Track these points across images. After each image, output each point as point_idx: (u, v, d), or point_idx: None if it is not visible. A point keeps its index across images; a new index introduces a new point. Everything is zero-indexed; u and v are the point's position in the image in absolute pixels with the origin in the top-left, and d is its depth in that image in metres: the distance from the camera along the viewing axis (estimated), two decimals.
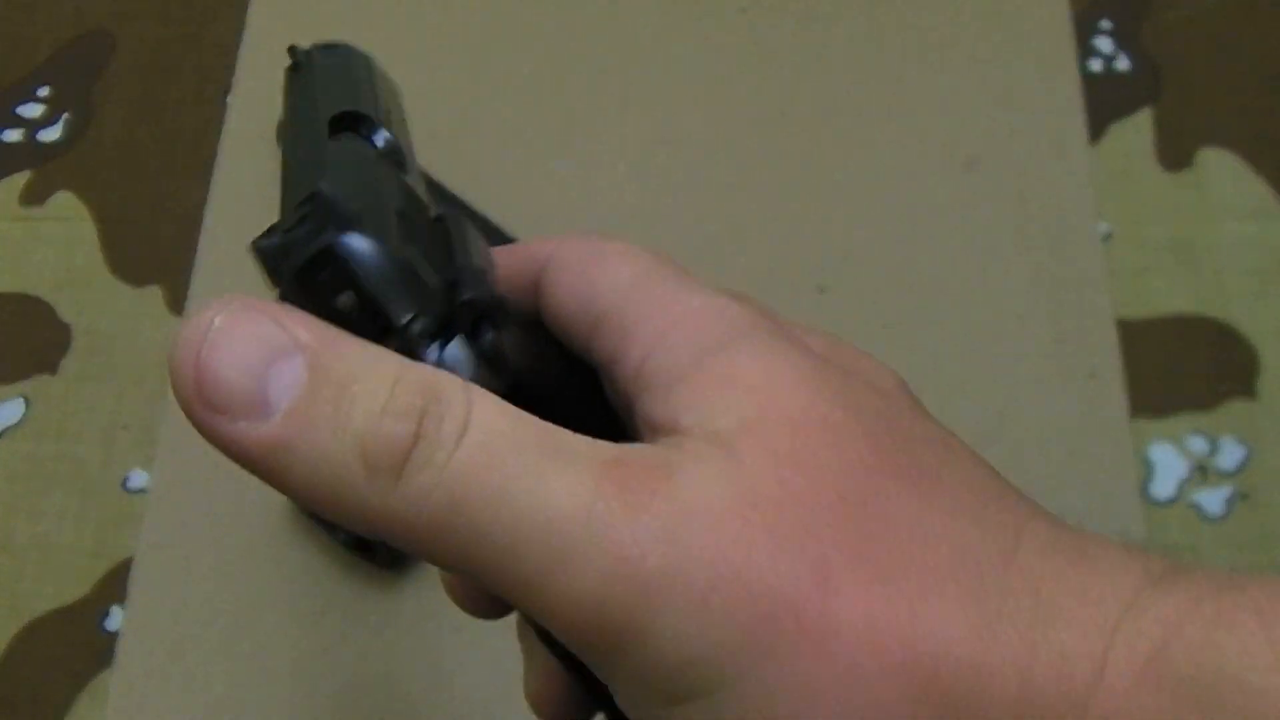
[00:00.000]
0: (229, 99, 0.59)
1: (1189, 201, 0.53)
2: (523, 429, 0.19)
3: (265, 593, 0.48)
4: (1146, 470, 0.48)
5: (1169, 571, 0.20)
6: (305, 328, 0.19)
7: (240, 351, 0.18)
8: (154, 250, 0.55)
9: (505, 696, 0.45)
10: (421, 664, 0.46)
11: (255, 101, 0.58)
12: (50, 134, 0.59)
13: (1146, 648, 0.18)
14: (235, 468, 0.19)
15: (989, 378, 0.50)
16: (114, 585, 0.49)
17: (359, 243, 0.21)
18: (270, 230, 0.21)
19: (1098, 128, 0.55)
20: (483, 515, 0.18)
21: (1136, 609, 0.19)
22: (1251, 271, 0.52)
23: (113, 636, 0.48)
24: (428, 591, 0.47)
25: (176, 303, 0.54)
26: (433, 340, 0.21)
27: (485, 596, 0.28)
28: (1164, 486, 0.48)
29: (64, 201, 0.57)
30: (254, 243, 0.21)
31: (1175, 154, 0.54)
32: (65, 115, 0.59)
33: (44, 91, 0.60)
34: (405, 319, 0.21)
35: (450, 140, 0.55)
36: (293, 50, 0.27)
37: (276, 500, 0.48)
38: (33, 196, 0.57)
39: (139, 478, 0.51)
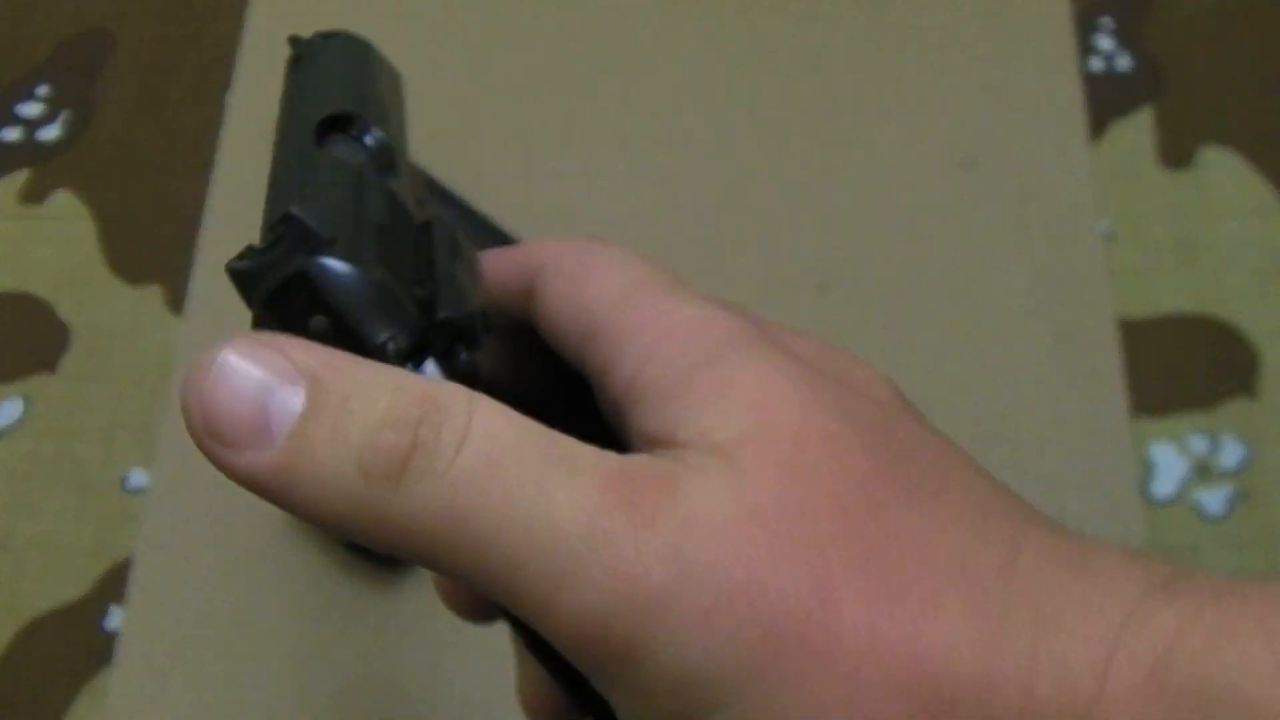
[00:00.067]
0: (229, 98, 0.59)
1: (1190, 201, 0.53)
2: (527, 437, 0.19)
3: (265, 593, 0.48)
4: (1147, 470, 0.48)
5: (1170, 578, 0.19)
6: (307, 352, 0.19)
7: (240, 384, 0.19)
8: (153, 249, 0.55)
9: (505, 696, 0.45)
10: (421, 664, 0.46)
11: (255, 101, 0.58)
12: (49, 133, 0.59)
13: (1148, 658, 0.18)
14: None
15: (989, 378, 0.50)
16: (113, 585, 0.49)
17: (331, 265, 0.21)
18: (245, 252, 0.21)
19: (1098, 127, 0.55)
20: (485, 527, 0.18)
21: (1137, 619, 0.19)
22: (1252, 271, 0.52)
23: (112, 636, 0.48)
24: (427, 591, 0.47)
25: (176, 302, 0.54)
26: (406, 362, 0.21)
27: (478, 602, 0.28)
28: (1164, 486, 0.48)
29: (63, 200, 0.57)
30: (229, 265, 0.21)
31: (1176, 153, 0.54)
32: (64, 114, 0.59)
33: (43, 90, 0.60)
34: (379, 340, 0.21)
35: (450, 140, 0.55)
36: (293, 40, 0.27)
37: None
38: (32, 195, 0.57)
39: (139, 477, 0.51)
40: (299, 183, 0.22)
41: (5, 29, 0.62)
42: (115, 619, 0.48)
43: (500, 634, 0.29)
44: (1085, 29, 0.57)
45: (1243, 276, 0.52)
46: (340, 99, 0.25)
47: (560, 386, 0.25)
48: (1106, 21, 0.57)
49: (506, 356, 0.24)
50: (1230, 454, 0.48)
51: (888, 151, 0.55)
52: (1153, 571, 0.20)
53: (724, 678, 0.18)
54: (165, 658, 0.47)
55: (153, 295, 0.54)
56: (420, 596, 0.47)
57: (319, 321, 0.21)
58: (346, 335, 0.21)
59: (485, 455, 0.19)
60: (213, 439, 0.19)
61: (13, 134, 0.59)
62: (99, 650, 0.47)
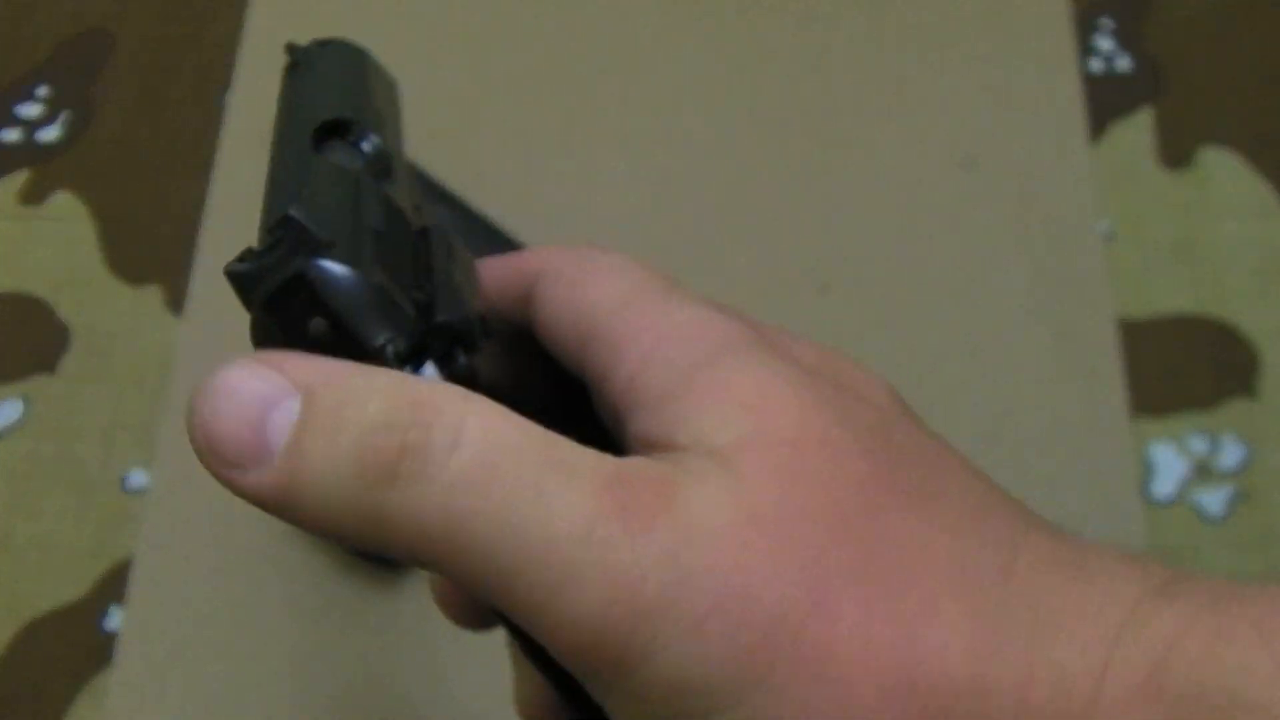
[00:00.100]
0: (229, 98, 0.59)
1: (1190, 201, 0.53)
2: (525, 439, 0.19)
3: (265, 593, 0.48)
4: (1147, 470, 0.48)
5: (1168, 582, 0.19)
6: (303, 365, 0.20)
7: (238, 405, 0.19)
8: (153, 250, 0.55)
9: (504, 696, 0.45)
10: (421, 664, 0.46)
11: (255, 101, 0.58)
12: (49, 133, 0.59)
13: (1145, 663, 0.18)
14: None
15: (989, 378, 0.50)
16: (113, 585, 0.49)
17: (330, 268, 0.21)
18: (243, 255, 0.21)
19: (1098, 127, 0.55)
20: (482, 532, 0.18)
21: (1135, 623, 0.19)
22: (1252, 271, 0.52)
23: (112, 636, 0.48)
24: (427, 592, 0.47)
25: (176, 302, 0.54)
26: (404, 365, 0.21)
27: (475, 609, 0.28)
28: (1164, 486, 0.48)
29: (63, 201, 0.57)
30: (227, 267, 0.21)
31: (1176, 153, 0.54)
32: (64, 114, 0.59)
33: (43, 91, 0.60)
34: (377, 344, 0.21)
35: (450, 140, 0.55)
36: (290, 48, 0.27)
37: None
38: (32, 196, 0.57)
39: (138, 477, 0.51)
40: (297, 187, 0.22)
41: (5, 29, 0.62)
42: (115, 619, 0.48)
43: (498, 636, 0.29)
44: (1085, 29, 0.57)
45: (1243, 277, 0.52)
46: (337, 105, 0.25)
47: (558, 393, 0.25)
48: (1106, 22, 0.57)
49: (505, 363, 0.24)
50: (1230, 454, 0.48)
51: (888, 151, 0.55)
52: (1151, 574, 0.20)
53: (719, 683, 0.18)
54: (165, 658, 0.47)
55: (153, 295, 0.54)
56: (420, 597, 0.47)
57: (318, 324, 0.21)
58: (345, 338, 0.21)
59: (481, 458, 0.19)
60: (218, 462, 0.19)
61: (12, 134, 0.59)
62: (99, 650, 0.47)
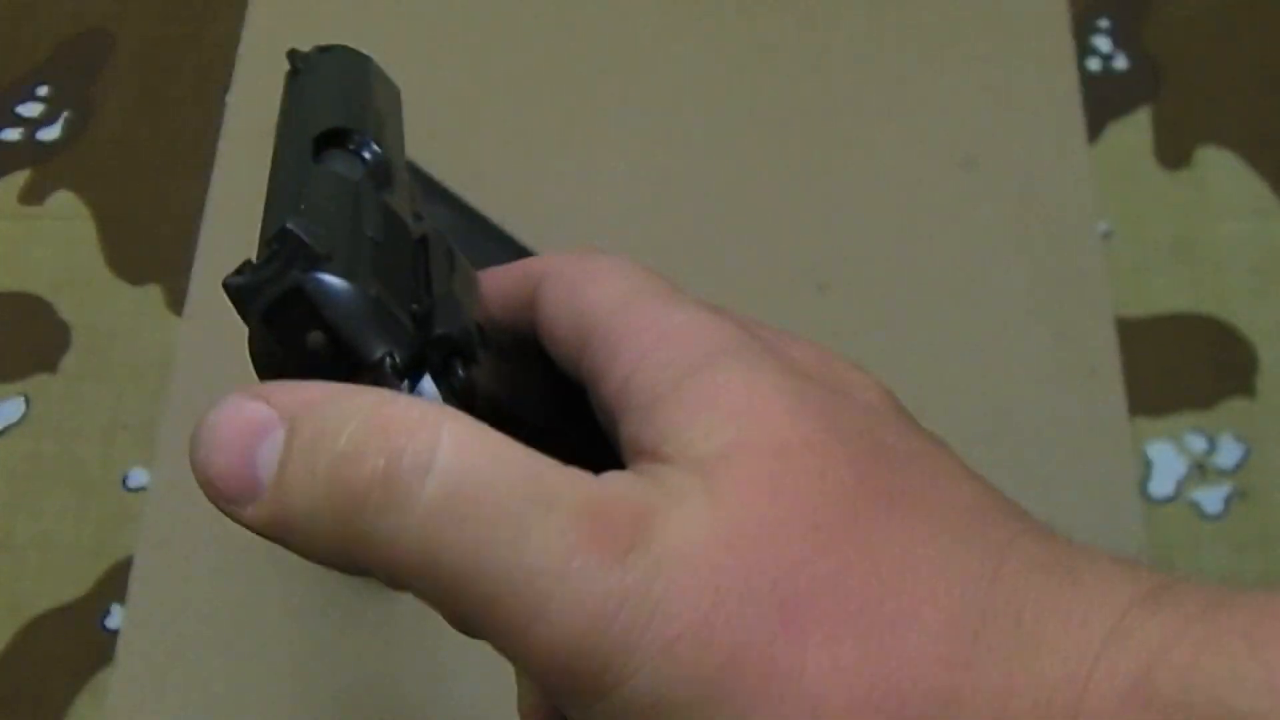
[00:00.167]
0: (229, 98, 0.59)
1: (1188, 200, 0.53)
2: (502, 468, 0.19)
3: (265, 592, 0.48)
4: (1145, 468, 0.48)
5: (1157, 589, 0.19)
6: (289, 395, 0.20)
7: (229, 442, 0.20)
8: (153, 249, 0.55)
9: (504, 696, 0.45)
10: (421, 663, 0.46)
11: (255, 101, 0.58)
12: (50, 133, 0.59)
13: (1131, 673, 0.18)
14: None
15: (989, 377, 0.50)
16: (114, 584, 0.49)
17: (328, 281, 0.20)
18: (241, 267, 0.21)
19: (1097, 127, 0.55)
20: (459, 563, 0.18)
21: (1122, 632, 0.18)
22: (1251, 270, 0.52)
23: (113, 635, 0.48)
24: None
25: (176, 302, 0.54)
26: (403, 378, 0.21)
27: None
28: (1163, 485, 0.48)
29: (63, 200, 0.57)
30: (225, 281, 0.21)
31: (1174, 153, 0.54)
32: (65, 114, 0.59)
33: (43, 90, 0.60)
34: (376, 357, 0.21)
35: (450, 140, 0.55)
36: (292, 55, 0.27)
37: None
38: (32, 195, 0.57)
39: (139, 476, 0.51)
40: (296, 197, 0.22)
41: (5, 29, 0.62)
42: (116, 618, 0.48)
43: None
44: (1083, 29, 0.57)
45: (1241, 276, 0.52)
46: (338, 113, 0.25)
47: (561, 402, 0.25)
48: (1104, 22, 0.58)
49: (506, 372, 0.24)
50: (1228, 453, 0.48)
51: (888, 151, 0.55)
52: (1141, 580, 0.19)
53: (687, 705, 0.18)
54: (165, 657, 0.47)
55: (153, 295, 0.54)
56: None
57: (316, 338, 0.21)
58: (343, 352, 0.21)
59: (455, 487, 0.18)
60: (217, 497, 0.20)
61: (13, 134, 0.59)
62: (99, 649, 0.47)
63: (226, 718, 0.46)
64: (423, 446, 0.19)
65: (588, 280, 0.24)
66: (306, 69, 0.26)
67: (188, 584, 0.48)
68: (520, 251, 0.53)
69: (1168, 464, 0.48)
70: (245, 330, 0.21)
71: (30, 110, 0.59)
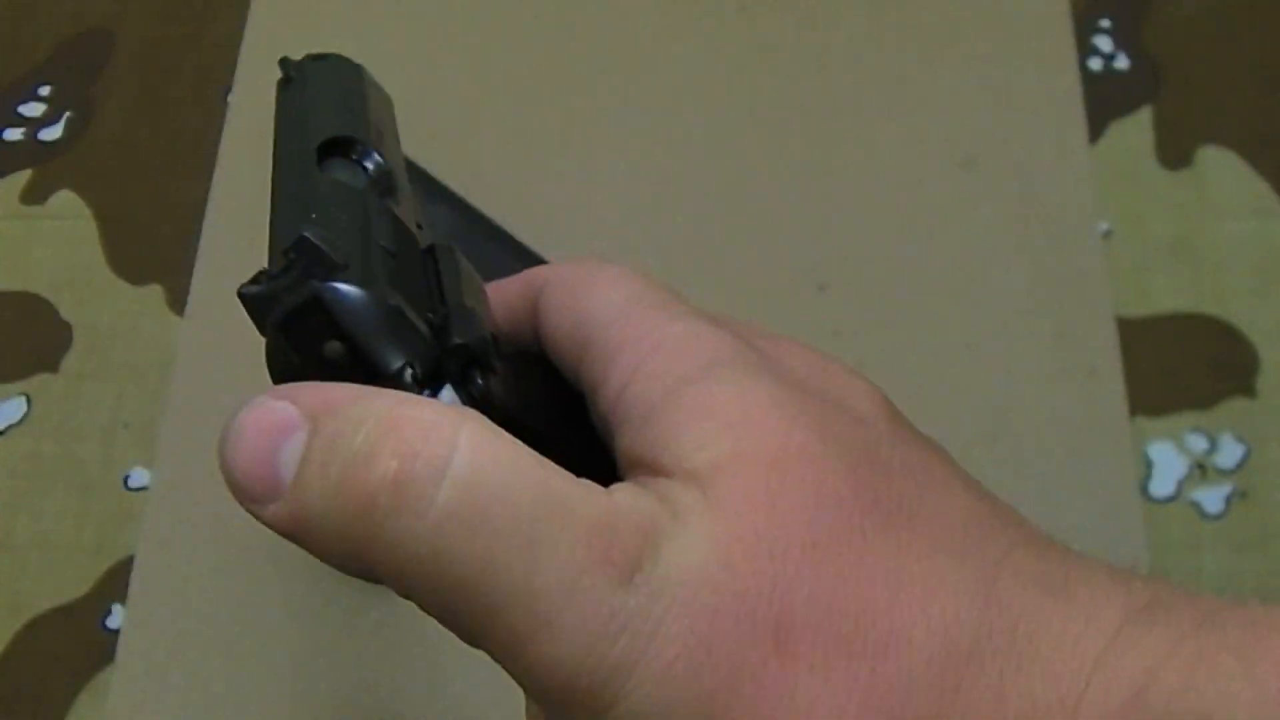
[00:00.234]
0: (229, 98, 0.59)
1: (1189, 200, 0.53)
2: (517, 477, 0.19)
3: (265, 592, 0.48)
4: (1146, 468, 0.48)
5: (1151, 603, 0.19)
6: (313, 395, 0.20)
7: (253, 441, 0.20)
8: (154, 249, 0.56)
9: (504, 697, 0.45)
10: (421, 664, 0.47)
11: (255, 100, 0.58)
12: (51, 133, 0.59)
13: (1123, 693, 0.18)
14: None
15: (989, 376, 0.50)
16: (115, 583, 0.49)
17: (346, 291, 0.20)
18: (257, 276, 0.21)
19: (1097, 126, 0.55)
20: (466, 574, 0.18)
21: (1115, 650, 0.18)
22: (1251, 270, 0.52)
23: (114, 635, 0.48)
24: None
25: (177, 301, 0.54)
26: (424, 389, 0.21)
27: None
28: (1163, 485, 0.48)
29: (65, 200, 0.57)
30: (240, 289, 0.21)
31: (1175, 152, 0.54)
32: (66, 114, 0.59)
33: (45, 90, 0.60)
34: (395, 367, 0.21)
35: (450, 140, 0.56)
36: (283, 63, 0.26)
37: None
38: (33, 195, 0.57)
39: (140, 476, 0.51)
40: (305, 206, 0.22)
41: (6, 29, 0.62)
42: (116, 617, 0.48)
43: None
44: (1084, 29, 0.57)
45: (1241, 276, 0.52)
46: (338, 122, 0.25)
47: (565, 411, 0.25)
48: (1105, 22, 0.58)
49: (515, 382, 0.24)
50: (1228, 453, 0.48)
51: (888, 151, 0.55)
52: (1135, 593, 0.19)
53: None
54: (166, 656, 0.47)
55: (154, 295, 0.54)
56: None
57: (334, 347, 0.21)
58: (361, 361, 0.21)
59: (469, 495, 0.18)
60: (243, 497, 0.20)
61: (14, 134, 0.59)
62: (100, 648, 0.48)
63: (226, 718, 0.46)
64: (438, 451, 0.19)
65: (586, 289, 0.24)
66: (299, 77, 0.26)
67: (188, 584, 0.48)
68: (521, 252, 0.53)
69: (1168, 464, 0.48)
70: (247, 330, 0.21)
71: (32, 110, 0.59)
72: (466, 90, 0.58)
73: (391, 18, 0.60)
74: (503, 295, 0.26)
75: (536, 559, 0.18)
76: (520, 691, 0.29)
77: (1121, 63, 0.57)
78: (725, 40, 0.58)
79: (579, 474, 0.20)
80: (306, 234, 0.20)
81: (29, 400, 0.53)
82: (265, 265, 0.22)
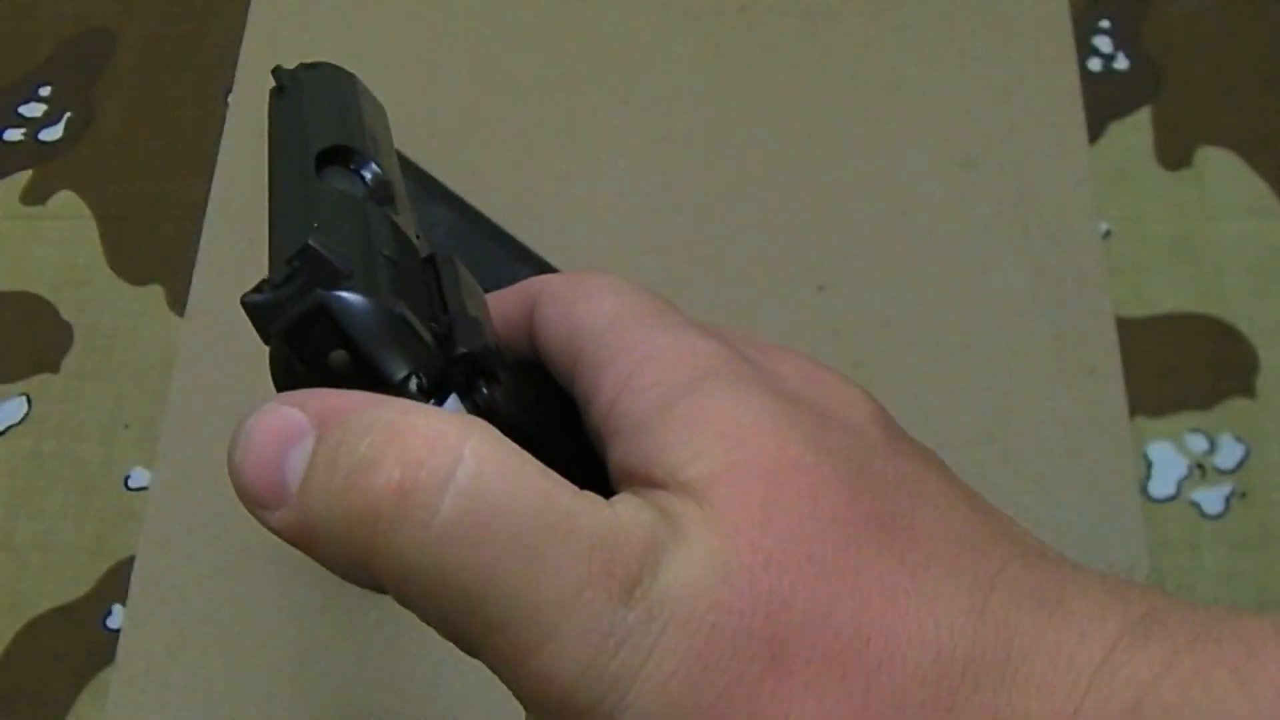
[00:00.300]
0: (229, 98, 0.59)
1: (1188, 200, 0.53)
2: (521, 490, 0.19)
3: (265, 592, 0.48)
4: (1145, 468, 0.48)
5: (1146, 616, 0.19)
6: (321, 401, 0.20)
7: (261, 447, 0.20)
8: (155, 249, 0.56)
9: (504, 698, 0.46)
10: (421, 664, 0.47)
11: (255, 101, 0.58)
12: (52, 133, 0.59)
13: (1119, 708, 0.18)
14: None
15: (989, 375, 0.50)
16: (115, 583, 0.49)
17: (351, 300, 0.20)
18: (260, 285, 0.21)
19: (1097, 127, 0.55)
20: (468, 585, 0.18)
21: (1110, 667, 0.18)
22: (1251, 270, 0.52)
23: (114, 634, 0.48)
24: None
25: (177, 301, 0.54)
26: (429, 398, 0.21)
27: None
28: (1163, 485, 0.48)
29: (65, 200, 0.57)
30: (244, 298, 0.21)
31: (1175, 153, 0.54)
32: (67, 114, 0.59)
33: (45, 90, 0.60)
34: (400, 376, 0.21)
35: (450, 140, 0.56)
36: (276, 72, 0.26)
37: None
38: (34, 195, 0.57)
39: (140, 476, 0.51)
40: (306, 215, 0.22)
41: (6, 29, 0.62)
42: (117, 617, 0.48)
43: None
44: (1084, 29, 0.57)
45: (1241, 276, 0.52)
46: (334, 132, 0.25)
47: (565, 420, 0.25)
48: (1105, 22, 0.58)
49: (515, 392, 0.24)
50: (1228, 453, 0.48)
51: (887, 151, 0.55)
52: (1131, 605, 0.19)
53: None
54: (166, 656, 0.47)
55: (154, 295, 0.54)
56: None
57: (339, 356, 0.21)
58: (367, 371, 0.21)
59: (473, 507, 0.18)
60: (251, 503, 0.20)
61: (15, 134, 0.59)
62: (101, 648, 0.48)
63: (226, 718, 0.46)
64: (443, 461, 0.18)
65: (578, 300, 0.24)
66: (293, 87, 0.26)
67: (188, 584, 0.48)
68: (521, 252, 0.53)
69: (1168, 464, 0.48)
70: (247, 331, 0.21)
71: (32, 110, 0.59)
72: (466, 90, 0.58)
73: (392, 18, 0.60)
74: (500, 306, 0.26)
75: (538, 572, 0.18)
76: None
77: (1121, 63, 0.57)
78: (725, 40, 0.58)
79: (578, 484, 0.20)
80: (311, 242, 0.20)
81: (29, 400, 0.53)
82: (266, 272, 0.21)
